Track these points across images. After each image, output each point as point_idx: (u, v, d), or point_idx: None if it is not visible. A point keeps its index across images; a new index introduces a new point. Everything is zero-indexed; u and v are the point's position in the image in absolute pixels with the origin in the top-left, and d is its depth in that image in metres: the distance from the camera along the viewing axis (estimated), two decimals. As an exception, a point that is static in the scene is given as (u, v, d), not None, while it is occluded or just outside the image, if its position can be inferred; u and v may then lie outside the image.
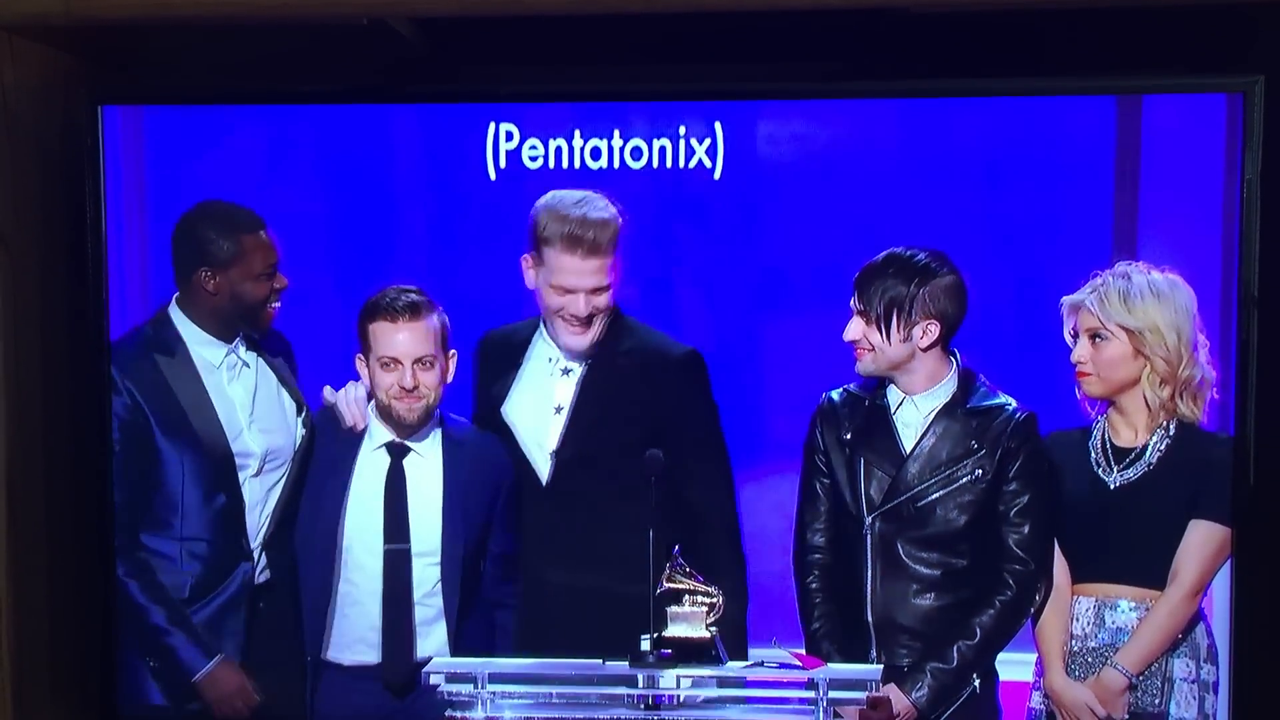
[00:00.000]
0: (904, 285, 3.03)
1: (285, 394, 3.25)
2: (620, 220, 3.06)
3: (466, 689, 2.94)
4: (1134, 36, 3.13)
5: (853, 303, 3.06)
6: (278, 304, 3.20)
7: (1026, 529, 3.06)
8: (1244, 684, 3.02)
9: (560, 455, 3.14)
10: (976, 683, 3.08)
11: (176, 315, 3.21)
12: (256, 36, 3.20)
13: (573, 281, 3.06)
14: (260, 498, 3.20)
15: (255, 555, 3.20)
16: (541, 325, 3.17)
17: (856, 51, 3.27)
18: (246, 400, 3.22)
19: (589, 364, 3.14)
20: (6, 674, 3.15)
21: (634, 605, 2.97)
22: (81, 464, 3.30)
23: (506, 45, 3.32)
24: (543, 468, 3.16)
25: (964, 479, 3.06)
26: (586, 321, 3.09)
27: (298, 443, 3.23)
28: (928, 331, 3.04)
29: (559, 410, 3.14)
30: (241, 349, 3.22)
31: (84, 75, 3.35)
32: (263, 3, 2.99)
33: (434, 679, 2.97)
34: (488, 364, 3.22)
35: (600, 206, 3.05)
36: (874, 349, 3.04)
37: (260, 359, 3.24)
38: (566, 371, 3.15)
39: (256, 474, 3.20)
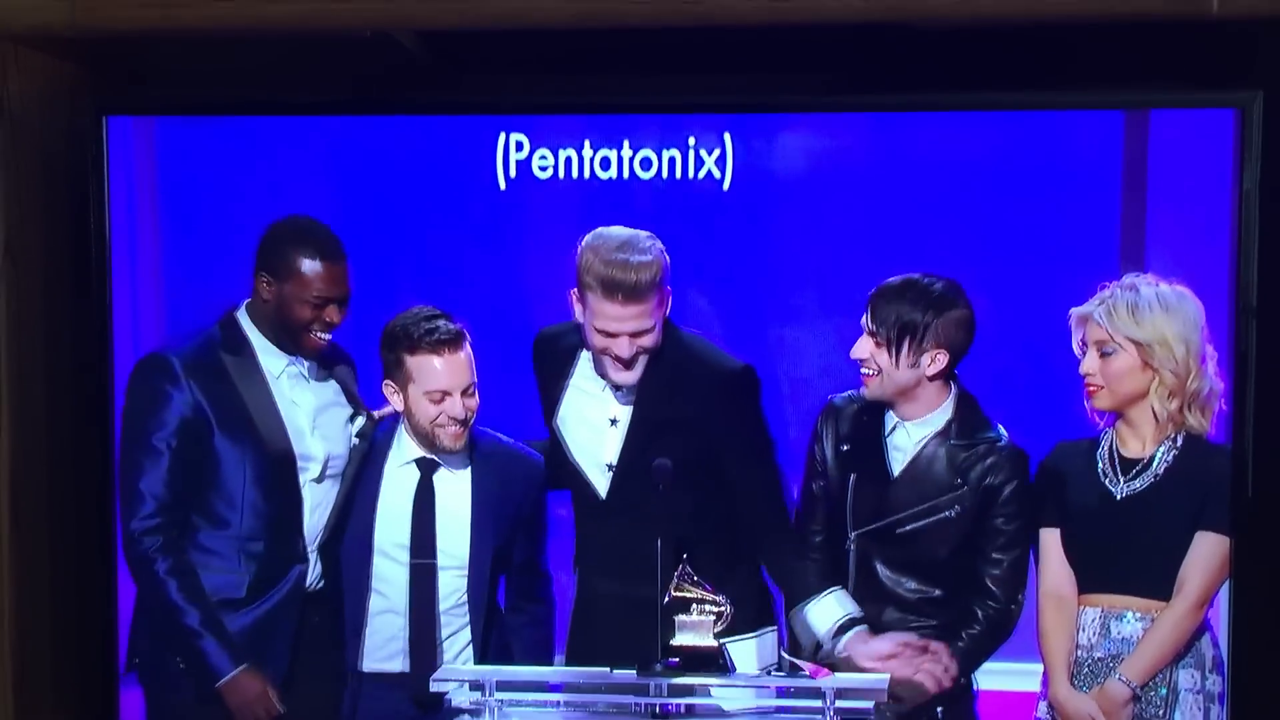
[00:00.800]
0: (919, 313, 3.03)
1: (345, 401, 3.27)
2: (666, 259, 3.02)
3: (475, 696, 2.95)
4: (1140, 52, 3.13)
5: (864, 321, 3.06)
6: (326, 336, 3.20)
7: (1003, 567, 3.08)
8: (1243, 693, 3.03)
9: (618, 469, 3.11)
10: (940, 711, 3.09)
11: (244, 320, 3.23)
12: (260, 47, 3.20)
13: (614, 326, 3.02)
14: (319, 502, 3.22)
15: (311, 559, 3.22)
16: (587, 351, 3.14)
17: (862, 65, 3.27)
18: (310, 407, 3.23)
19: (641, 379, 3.10)
20: (8, 679, 3.16)
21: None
22: (85, 471, 3.31)
23: (509, 56, 3.34)
24: (599, 481, 3.14)
25: (944, 514, 3.07)
26: (630, 362, 3.05)
27: (351, 451, 3.25)
28: (935, 360, 3.05)
29: (614, 423, 3.12)
30: (303, 363, 3.23)
31: (89, 85, 3.35)
32: (267, 14, 2.99)
33: (442, 686, 2.99)
34: (542, 365, 3.21)
35: (643, 249, 3.01)
36: (880, 372, 3.06)
37: (322, 370, 3.26)
38: (619, 387, 3.12)
39: (318, 479, 3.22)
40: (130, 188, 3.26)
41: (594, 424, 3.13)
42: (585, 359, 3.15)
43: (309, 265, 3.16)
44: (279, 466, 3.19)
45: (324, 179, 3.28)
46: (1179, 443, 3.04)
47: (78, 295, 3.28)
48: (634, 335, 3.02)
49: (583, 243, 3.04)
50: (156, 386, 3.17)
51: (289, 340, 3.20)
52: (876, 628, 3.08)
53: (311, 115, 3.27)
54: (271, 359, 3.21)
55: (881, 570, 3.09)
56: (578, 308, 3.07)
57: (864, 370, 3.08)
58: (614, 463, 3.12)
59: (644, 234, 3.02)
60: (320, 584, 3.23)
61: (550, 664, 3.19)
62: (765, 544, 3.14)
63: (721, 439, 3.09)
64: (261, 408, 3.19)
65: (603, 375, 3.11)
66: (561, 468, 3.17)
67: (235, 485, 3.18)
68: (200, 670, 3.19)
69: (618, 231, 3.04)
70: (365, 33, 3.03)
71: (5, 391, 3.13)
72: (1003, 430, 3.10)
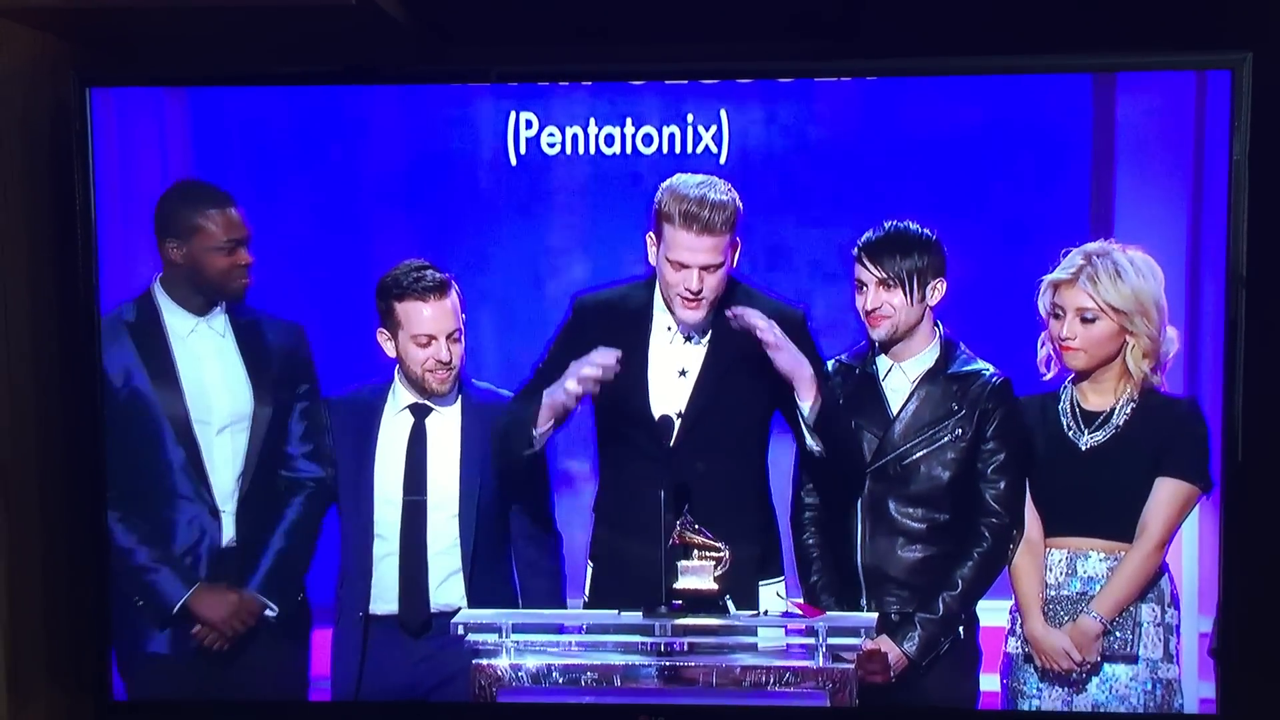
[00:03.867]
0: (917, 251, 3.21)
1: (244, 368, 3.40)
2: (739, 207, 3.14)
3: (491, 639, 3.10)
4: (1115, 16, 3.29)
5: (865, 275, 3.23)
6: (245, 280, 3.35)
7: (1002, 485, 3.26)
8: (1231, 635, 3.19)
9: (687, 417, 3.22)
10: (960, 630, 3.28)
11: (158, 291, 3.36)
12: (242, 18, 3.26)
13: (686, 257, 3.13)
14: (229, 456, 3.38)
15: (222, 515, 3.38)
16: (657, 295, 3.25)
17: (847, 30, 3.44)
18: (215, 364, 3.38)
19: (713, 331, 3.23)
20: (1, 658, 3.24)
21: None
22: (74, 450, 3.40)
23: (494, 25, 3.44)
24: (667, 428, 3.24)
25: (945, 438, 3.26)
26: (698, 298, 3.16)
27: (253, 412, 3.39)
28: (937, 289, 3.24)
29: (683, 374, 3.24)
30: (217, 322, 3.38)
31: (72, 58, 3.40)
32: None
33: (460, 629, 3.13)
34: (593, 322, 3.28)
35: (721, 190, 3.13)
36: (894, 313, 3.22)
37: (233, 332, 3.39)
38: (688, 338, 3.24)
39: (219, 431, 3.37)
40: (115, 160, 3.32)
41: (663, 375, 3.25)
42: (658, 315, 3.26)
43: (211, 216, 3.31)
44: (179, 425, 3.34)
45: (334, 155, 3.37)
46: (1136, 396, 3.20)
47: (64, 264, 3.34)
48: (704, 269, 3.14)
49: (661, 187, 3.16)
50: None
51: (215, 292, 3.35)
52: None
53: (298, 86, 3.33)
54: (180, 320, 3.36)
55: (891, 506, 3.26)
56: (651, 250, 3.20)
57: (876, 316, 3.23)
58: (682, 411, 3.23)
59: (722, 182, 3.16)
60: (234, 536, 3.39)
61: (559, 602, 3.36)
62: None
63: (780, 383, 3.20)
64: (161, 371, 3.35)
65: (672, 315, 3.21)
66: (628, 420, 3.26)
67: (149, 448, 3.35)
68: (158, 598, 3.37)
69: (696, 175, 3.17)
70: (350, 1, 3.08)
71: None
72: (989, 365, 3.27)
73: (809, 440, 3.20)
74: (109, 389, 3.33)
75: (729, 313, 3.15)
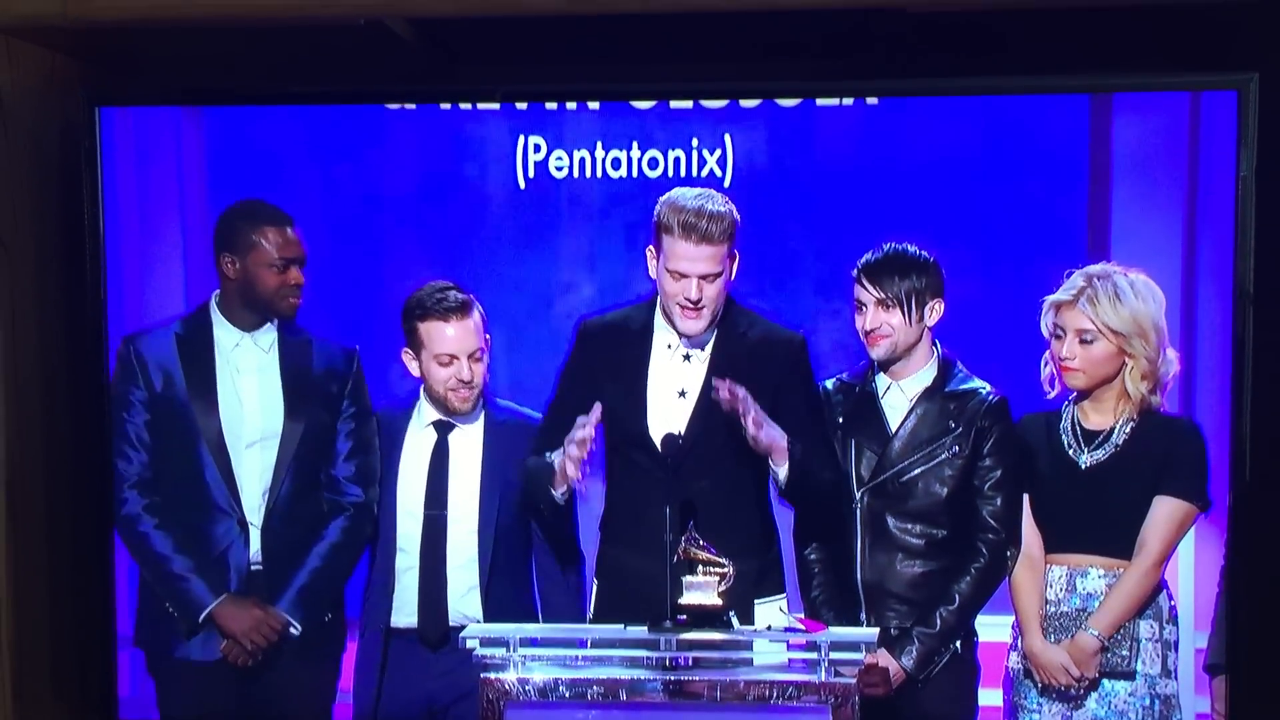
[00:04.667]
0: (916, 272, 3.27)
1: (282, 385, 3.46)
2: (737, 218, 3.18)
3: (500, 652, 3.10)
4: (1117, 38, 3.32)
5: (864, 295, 3.28)
6: (295, 299, 3.41)
7: (998, 501, 3.30)
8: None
9: (687, 437, 3.24)
10: (958, 644, 3.31)
11: (213, 308, 3.44)
12: (250, 38, 3.31)
13: (685, 266, 3.17)
14: (256, 470, 3.43)
15: (250, 526, 3.44)
16: (658, 312, 3.28)
17: (852, 51, 3.48)
18: (253, 379, 3.44)
19: (712, 350, 3.27)
20: (6, 670, 3.28)
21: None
22: (81, 462, 3.43)
23: (503, 45, 3.48)
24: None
25: (943, 455, 3.30)
26: (698, 307, 3.19)
27: (283, 429, 3.45)
28: (934, 310, 3.29)
29: (682, 395, 3.28)
30: (262, 338, 3.43)
31: (82, 77, 3.44)
32: (259, 3, 3.10)
33: (469, 643, 3.12)
34: (597, 349, 3.32)
35: (719, 202, 3.17)
36: (893, 333, 3.27)
37: (278, 350, 3.45)
38: (687, 357, 3.28)
39: (249, 445, 3.43)
40: (135, 179, 3.40)
41: (663, 396, 3.29)
42: (659, 333, 3.29)
43: (266, 233, 3.38)
44: (212, 436, 3.41)
45: (347, 176, 3.45)
46: (1135, 416, 3.24)
47: (71, 285, 3.38)
48: (702, 279, 3.17)
49: (660, 201, 3.20)
50: (117, 368, 3.40)
51: (266, 309, 3.42)
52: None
53: (306, 105, 3.40)
54: (226, 334, 3.43)
55: (890, 522, 3.31)
56: (652, 264, 3.23)
57: (875, 336, 3.28)
58: (682, 432, 3.25)
59: (720, 194, 3.20)
60: (259, 550, 3.44)
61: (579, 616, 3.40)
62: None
63: (782, 405, 3.24)
64: (201, 383, 3.42)
65: (675, 328, 3.24)
66: (631, 440, 3.29)
67: (186, 457, 3.41)
68: (189, 606, 3.41)
69: (694, 189, 3.21)
70: (358, 21, 3.12)
71: (0, 378, 3.25)
72: (985, 384, 3.32)
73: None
74: (153, 397, 3.40)
75: (716, 384, 3.16)
